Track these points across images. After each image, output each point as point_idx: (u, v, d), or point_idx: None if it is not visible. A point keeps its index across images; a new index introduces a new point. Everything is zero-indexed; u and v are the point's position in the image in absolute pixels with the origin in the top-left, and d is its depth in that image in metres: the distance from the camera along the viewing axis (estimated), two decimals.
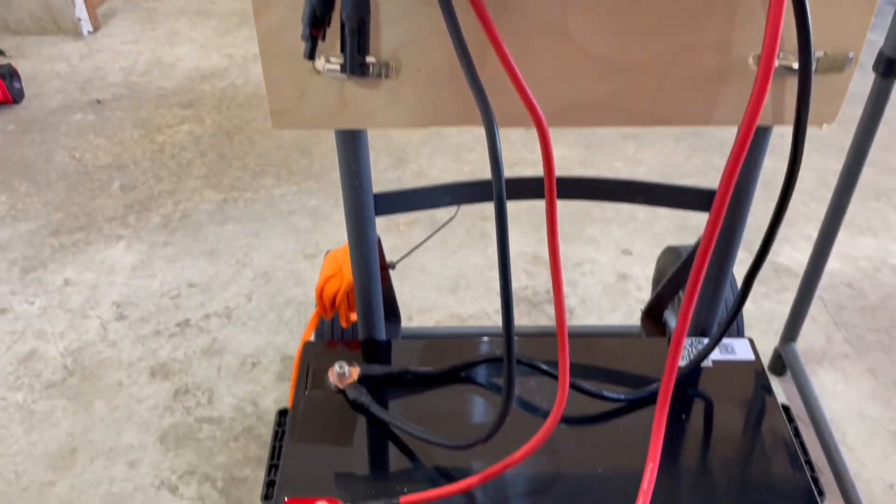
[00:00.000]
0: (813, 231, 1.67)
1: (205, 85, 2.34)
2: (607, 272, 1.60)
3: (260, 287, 1.54)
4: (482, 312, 1.52)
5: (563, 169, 1.95)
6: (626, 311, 1.50)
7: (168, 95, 2.28)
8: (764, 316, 1.46)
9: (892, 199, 1.78)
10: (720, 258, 0.95)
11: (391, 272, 1.06)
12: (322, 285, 0.97)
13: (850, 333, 1.41)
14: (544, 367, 0.90)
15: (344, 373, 0.91)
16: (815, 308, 1.46)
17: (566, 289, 1.56)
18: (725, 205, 0.69)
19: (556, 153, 2.02)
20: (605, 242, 1.68)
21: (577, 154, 2.02)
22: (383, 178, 1.90)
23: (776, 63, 0.71)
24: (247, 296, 1.51)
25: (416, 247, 1.08)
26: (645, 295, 1.53)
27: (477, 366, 0.92)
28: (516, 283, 1.58)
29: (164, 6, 2.93)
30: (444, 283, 1.58)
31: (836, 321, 1.44)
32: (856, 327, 1.42)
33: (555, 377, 0.89)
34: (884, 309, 1.46)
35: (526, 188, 0.94)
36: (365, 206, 0.87)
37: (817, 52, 0.70)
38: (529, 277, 1.59)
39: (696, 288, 0.74)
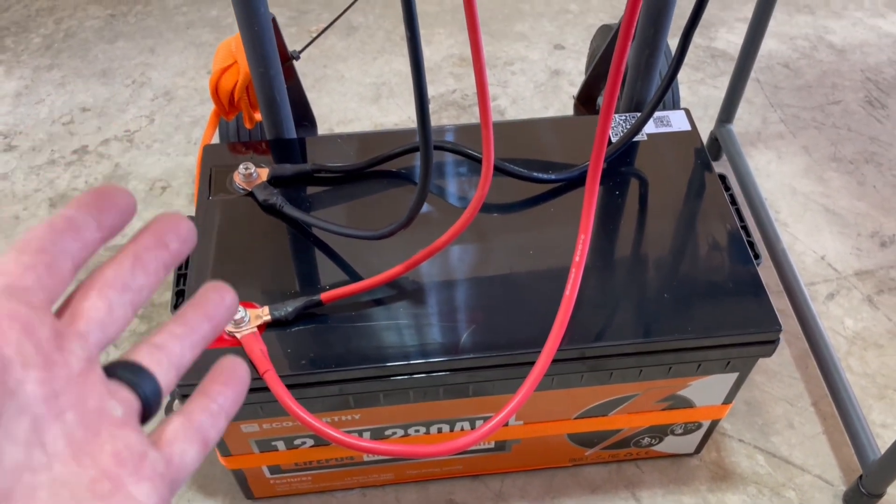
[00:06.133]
0: (750, 12, 1.58)
1: None
2: (539, 69, 1.50)
3: (162, 107, 1.40)
4: (408, 121, 1.42)
5: None
6: (560, 107, 1.43)
7: None
8: (700, 102, 1.40)
9: None
10: (654, 23, 0.87)
11: (296, 64, 0.95)
12: (216, 80, 0.86)
13: (786, 113, 1.37)
14: (468, 150, 0.83)
15: (251, 174, 0.82)
16: (751, 90, 1.41)
17: (496, 89, 1.47)
18: None
19: None
20: (535, 38, 1.57)
21: None
22: None
23: None
24: (148, 117, 1.38)
25: (322, 31, 0.96)
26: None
27: (397, 157, 0.84)
28: (443, 87, 1.48)
29: None
30: (366, 91, 1.46)
31: (771, 102, 1.39)
32: (791, 107, 1.38)
33: (479, 160, 0.82)
34: (819, 86, 1.42)
35: None
36: None
37: None
38: (457, 80, 1.49)
39: (623, 54, 0.65)
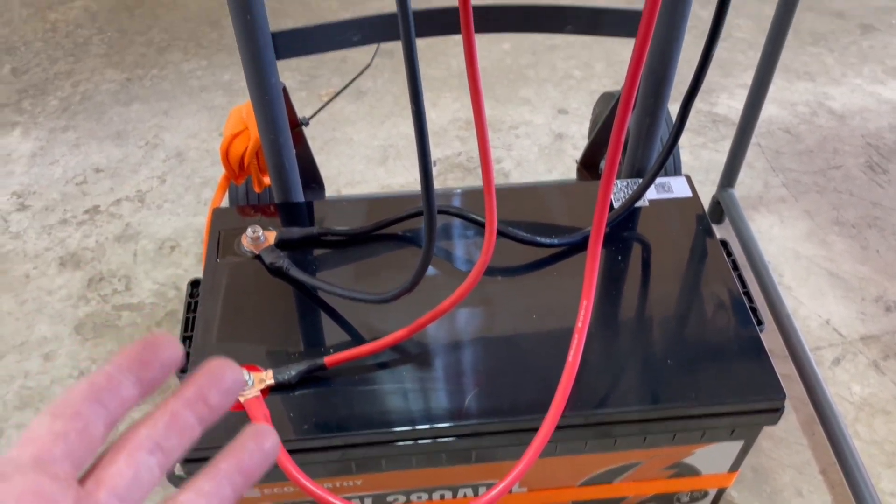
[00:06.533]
0: (750, 78, 1.62)
1: None
2: (543, 133, 1.53)
3: (174, 168, 1.43)
4: (415, 182, 1.45)
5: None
6: (563, 170, 1.45)
7: None
8: (702, 166, 1.42)
9: (829, 42, 1.74)
10: (654, 93, 0.89)
11: (305, 129, 0.97)
12: (227, 145, 0.88)
13: (788, 177, 1.39)
14: (471, 214, 0.84)
15: (259, 237, 0.83)
16: (753, 154, 1.43)
17: (501, 152, 1.49)
18: (652, 25, 0.61)
19: None
20: (539, 103, 1.61)
21: None
22: None
23: None
24: (160, 178, 1.41)
25: (331, 99, 0.99)
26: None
27: (402, 221, 0.85)
28: (449, 149, 1.50)
29: None
30: (374, 154, 1.49)
31: (773, 166, 1.41)
32: (793, 171, 1.40)
33: (483, 224, 0.84)
34: (820, 151, 1.44)
35: (442, 20, 0.85)
36: (262, 46, 0.77)
37: None
38: (463, 143, 1.52)
39: (624, 121, 0.67)
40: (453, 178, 1.45)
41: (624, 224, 0.86)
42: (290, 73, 1.68)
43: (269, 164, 0.87)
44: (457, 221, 0.87)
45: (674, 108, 0.92)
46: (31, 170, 1.42)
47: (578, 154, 1.48)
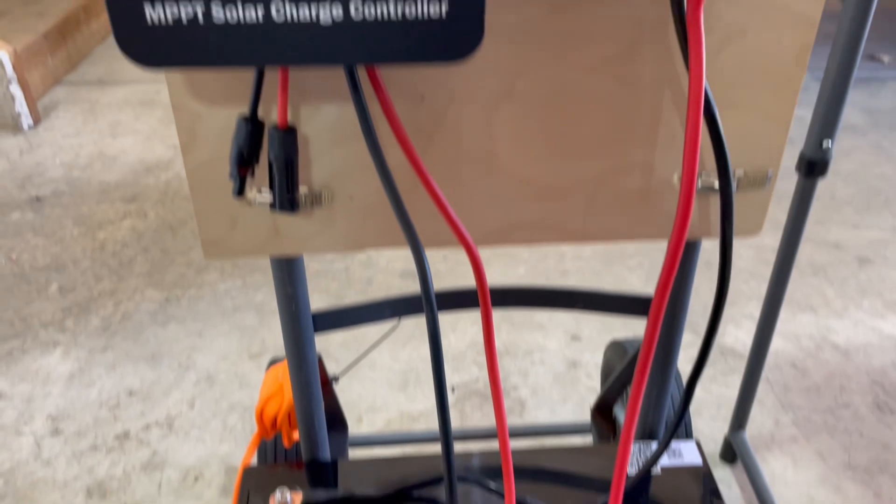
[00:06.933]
0: (755, 309, 1.70)
1: (149, 177, 2.32)
2: (557, 360, 1.60)
3: (203, 392, 1.49)
4: (434, 409, 1.49)
5: (509, 253, 1.97)
6: (577, 400, 1.50)
7: (110, 189, 2.25)
8: (713, 400, 1.46)
9: (828, 274, 1.84)
10: (662, 358, 0.96)
11: (336, 385, 1.04)
12: (262, 407, 0.95)
13: (798, 415, 1.42)
14: (491, 485, 0.88)
15: (286, 501, 0.87)
16: (762, 390, 1.47)
17: (517, 378, 1.55)
18: (661, 318, 0.69)
19: None
20: (553, 329, 1.68)
21: None
22: (330, 269, 1.89)
23: (698, 184, 0.73)
24: (189, 402, 1.46)
25: (357, 360, 1.06)
26: (594, 383, 1.53)
27: (422, 487, 0.89)
28: (467, 375, 1.56)
29: (106, 97, 2.91)
30: (395, 378, 1.55)
31: (782, 403, 1.45)
32: (802, 409, 1.43)
33: (502, 495, 0.87)
34: (828, 388, 1.48)
35: (467, 299, 0.94)
36: (303, 327, 0.85)
37: (737, 172, 0.72)
38: (480, 369, 1.58)
39: (637, 400, 0.73)
40: (470, 405, 1.49)
41: (637, 493, 0.89)
42: (319, 294, 1.79)
43: (299, 424, 0.92)
44: (477, 486, 0.91)
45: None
46: (68, 392, 1.49)
47: (591, 382, 1.54)
